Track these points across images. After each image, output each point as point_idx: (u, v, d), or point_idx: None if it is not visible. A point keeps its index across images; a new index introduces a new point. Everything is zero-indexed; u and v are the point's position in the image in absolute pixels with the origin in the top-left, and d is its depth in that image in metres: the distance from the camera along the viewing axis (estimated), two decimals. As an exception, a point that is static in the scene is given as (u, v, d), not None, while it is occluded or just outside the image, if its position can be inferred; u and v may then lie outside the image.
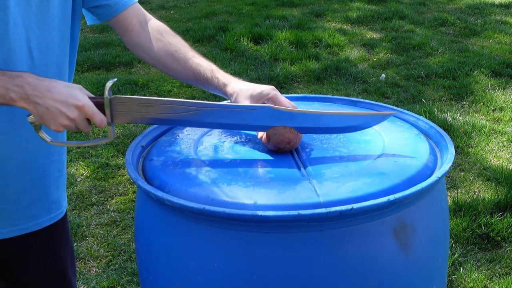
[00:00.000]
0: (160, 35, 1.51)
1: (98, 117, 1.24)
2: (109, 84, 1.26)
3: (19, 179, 1.40)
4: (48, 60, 1.36)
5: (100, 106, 1.26)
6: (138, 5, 1.53)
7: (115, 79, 1.31)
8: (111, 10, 1.49)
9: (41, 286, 1.54)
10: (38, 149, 1.41)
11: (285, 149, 1.35)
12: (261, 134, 1.40)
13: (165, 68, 1.52)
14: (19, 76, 1.21)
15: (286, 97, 1.48)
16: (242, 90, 1.41)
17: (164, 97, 4.41)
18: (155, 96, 4.50)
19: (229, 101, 1.45)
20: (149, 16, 1.55)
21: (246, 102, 1.39)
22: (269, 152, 1.37)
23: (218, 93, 1.48)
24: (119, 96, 1.29)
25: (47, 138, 1.29)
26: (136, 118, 1.32)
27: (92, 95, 1.26)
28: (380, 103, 1.63)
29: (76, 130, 1.25)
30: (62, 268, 1.57)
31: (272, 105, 1.34)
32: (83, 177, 3.38)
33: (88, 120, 1.25)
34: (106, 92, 1.26)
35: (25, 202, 1.42)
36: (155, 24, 1.53)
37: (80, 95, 1.22)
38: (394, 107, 1.61)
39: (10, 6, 1.28)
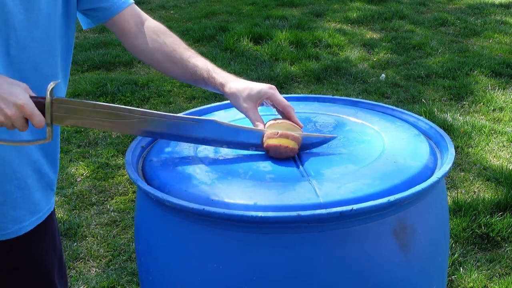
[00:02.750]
0: (156, 35, 1.50)
1: (37, 117, 1.21)
2: (51, 85, 1.23)
3: (4, 179, 1.37)
4: (25, 59, 1.33)
5: (41, 106, 1.23)
6: (135, 6, 1.52)
7: (58, 81, 1.30)
8: (107, 13, 1.47)
9: None
10: (22, 148, 1.38)
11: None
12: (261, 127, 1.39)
13: (163, 69, 1.51)
14: None
15: (286, 97, 1.47)
16: (239, 90, 1.40)
17: (163, 97, 4.42)
18: (155, 96, 4.47)
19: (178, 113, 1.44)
20: (145, 16, 1.54)
21: (244, 103, 1.39)
22: (269, 152, 1.37)
23: (216, 91, 1.47)
24: (61, 98, 1.27)
25: None
26: (78, 122, 1.29)
27: (35, 95, 1.23)
28: (380, 103, 1.63)
29: (12, 128, 1.21)
30: (47, 275, 1.53)
31: (217, 120, 1.35)
32: (83, 177, 3.38)
33: (26, 120, 1.21)
34: (48, 93, 1.23)
35: (11, 203, 1.39)
36: (151, 24, 1.52)
37: (22, 94, 1.19)
38: (394, 107, 1.61)
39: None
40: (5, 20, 1.29)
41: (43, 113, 1.24)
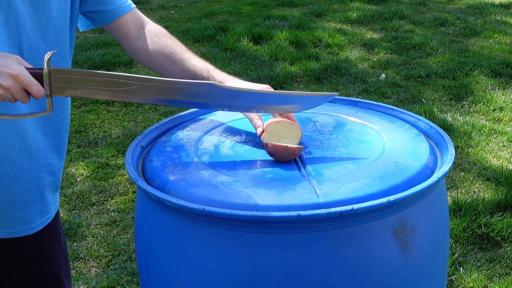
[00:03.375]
0: (157, 38, 1.51)
1: (35, 87, 1.21)
2: (47, 55, 1.23)
3: (13, 181, 1.38)
4: (39, 61, 1.34)
5: (38, 77, 1.23)
6: (136, 10, 1.53)
7: (55, 50, 1.29)
8: (109, 16, 1.48)
9: None
10: (31, 150, 1.39)
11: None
12: (260, 131, 1.40)
13: (163, 70, 1.52)
14: None
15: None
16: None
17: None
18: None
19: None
20: (146, 19, 1.55)
21: None
22: (269, 152, 1.37)
23: None
24: (59, 68, 1.26)
25: None
26: (77, 92, 1.28)
27: (31, 67, 1.23)
28: (380, 103, 1.63)
29: (14, 101, 1.21)
30: (56, 272, 1.55)
31: (215, 83, 1.33)
32: (83, 177, 3.38)
33: (26, 92, 1.21)
34: (45, 64, 1.23)
35: (19, 204, 1.40)
36: (152, 27, 1.53)
37: (15, 65, 1.19)
38: (394, 107, 1.61)
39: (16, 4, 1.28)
40: (16, 22, 1.30)
41: (42, 85, 1.23)
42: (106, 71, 5.26)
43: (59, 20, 1.38)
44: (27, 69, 1.21)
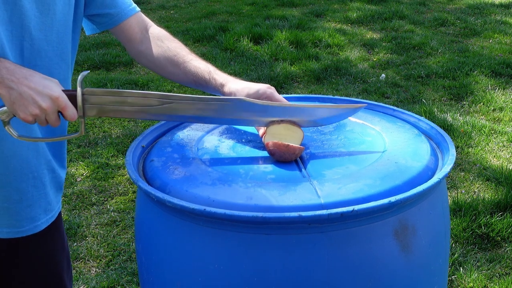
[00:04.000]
0: (160, 41, 1.52)
1: (71, 110, 1.23)
2: (81, 77, 1.25)
3: (21, 178, 1.39)
4: (39, 62, 1.35)
5: (72, 99, 1.24)
6: (141, 13, 1.55)
7: (88, 71, 1.30)
8: (114, 19, 1.49)
9: None
10: (38, 146, 1.40)
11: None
12: (261, 132, 1.40)
13: (165, 73, 1.53)
14: None
15: (286, 98, 1.48)
16: (238, 90, 1.42)
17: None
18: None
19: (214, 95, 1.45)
20: (150, 23, 1.57)
21: None
22: (270, 153, 1.37)
23: (216, 93, 1.48)
24: (92, 88, 1.27)
25: (15, 133, 1.27)
26: (109, 112, 1.30)
27: (64, 89, 1.25)
28: (381, 103, 1.63)
29: (45, 123, 1.23)
30: (58, 273, 1.55)
31: (245, 98, 1.34)
32: (83, 177, 3.38)
33: (58, 115, 1.23)
34: (78, 84, 1.24)
35: (27, 202, 1.41)
36: (156, 31, 1.55)
37: (56, 87, 1.22)
38: (395, 108, 1.61)
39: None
40: (21, 22, 1.31)
41: (76, 107, 1.25)
42: (107, 71, 5.25)
43: (62, 22, 1.38)
44: (62, 91, 1.23)
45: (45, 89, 1.20)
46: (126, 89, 4.48)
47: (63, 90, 1.24)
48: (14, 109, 1.21)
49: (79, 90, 1.25)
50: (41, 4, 1.33)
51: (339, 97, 1.69)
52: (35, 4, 1.32)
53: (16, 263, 1.47)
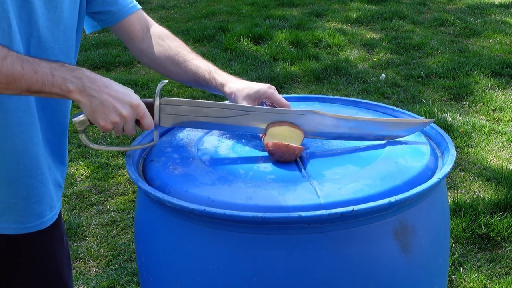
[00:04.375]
0: (161, 40, 1.53)
1: (149, 119, 1.26)
2: (160, 86, 1.27)
3: (30, 174, 1.39)
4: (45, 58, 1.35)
5: (149, 108, 1.27)
6: (142, 11, 1.55)
7: (166, 81, 1.32)
8: (115, 17, 1.49)
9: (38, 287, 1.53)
10: (42, 142, 1.40)
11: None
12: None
13: (166, 71, 1.53)
14: (77, 69, 1.22)
15: (286, 97, 1.48)
16: (239, 90, 1.42)
17: (164, 97, 4.40)
18: (154, 97, 4.45)
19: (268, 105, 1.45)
20: (151, 21, 1.57)
21: (244, 101, 1.41)
22: (270, 153, 1.37)
23: (217, 93, 1.49)
24: (169, 98, 1.30)
25: (90, 143, 1.31)
26: (183, 122, 1.33)
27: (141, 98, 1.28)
28: (380, 103, 1.63)
29: (121, 132, 1.26)
30: (59, 271, 1.55)
31: (318, 111, 1.35)
32: (83, 177, 3.38)
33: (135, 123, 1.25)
34: (157, 94, 1.27)
35: (34, 198, 1.41)
36: (157, 29, 1.55)
37: (135, 96, 1.25)
38: (394, 108, 1.61)
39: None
40: (29, 18, 1.31)
41: (153, 115, 1.27)
42: (107, 71, 5.25)
43: (69, 20, 1.39)
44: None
45: (126, 97, 1.22)
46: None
47: (142, 99, 1.26)
48: (94, 117, 1.23)
49: (157, 99, 1.26)
50: (48, 1, 1.33)
51: (339, 97, 1.69)
52: (43, 2, 1.32)
53: (18, 260, 1.47)
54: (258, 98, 1.41)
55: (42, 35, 1.34)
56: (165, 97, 1.29)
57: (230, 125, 1.35)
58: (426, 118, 1.53)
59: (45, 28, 1.34)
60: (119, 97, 1.22)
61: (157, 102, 1.27)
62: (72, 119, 1.26)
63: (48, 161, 1.46)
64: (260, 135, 1.41)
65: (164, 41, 1.52)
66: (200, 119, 1.33)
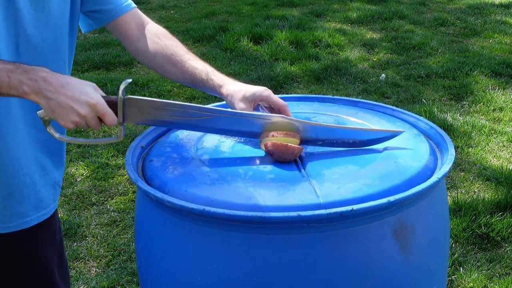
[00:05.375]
0: (158, 38, 1.52)
1: (110, 116, 1.25)
2: (123, 84, 1.26)
3: (12, 174, 1.39)
4: (34, 58, 1.35)
5: (112, 105, 1.26)
6: (137, 10, 1.55)
7: (130, 80, 1.32)
8: (110, 15, 1.49)
9: (23, 286, 1.52)
10: (27, 144, 1.40)
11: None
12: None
13: (163, 71, 1.53)
14: (33, 70, 1.21)
15: (286, 97, 1.48)
16: (235, 92, 1.43)
17: (164, 97, 4.41)
18: (155, 96, 4.50)
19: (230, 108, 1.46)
20: (147, 20, 1.57)
21: (240, 104, 1.41)
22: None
23: (214, 94, 1.49)
24: (133, 97, 1.29)
25: (56, 134, 1.29)
26: (148, 120, 1.32)
27: (105, 94, 1.27)
28: (380, 103, 1.63)
29: (86, 127, 1.25)
30: (48, 271, 1.54)
31: (285, 116, 1.35)
32: (83, 177, 3.38)
33: (99, 119, 1.25)
34: (120, 92, 1.26)
35: (16, 198, 1.41)
36: (153, 28, 1.55)
37: (93, 93, 1.23)
38: (394, 107, 1.61)
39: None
40: (15, 18, 1.31)
41: (115, 112, 1.26)
42: (107, 71, 5.25)
43: (58, 19, 1.38)
44: (102, 97, 1.24)
45: (82, 96, 1.21)
46: (125, 89, 4.48)
47: (104, 96, 1.25)
48: (54, 117, 1.22)
49: (120, 97, 1.26)
50: (34, 1, 1.33)
51: (339, 97, 1.70)
52: (29, 1, 1.32)
53: (4, 258, 1.47)
54: (254, 100, 1.42)
55: (29, 34, 1.33)
56: (129, 96, 1.29)
57: (195, 126, 1.35)
58: (421, 119, 1.53)
59: (33, 27, 1.33)
60: (75, 97, 1.20)
61: (120, 101, 1.27)
62: (37, 112, 1.25)
63: (41, 162, 1.45)
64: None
65: (161, 39, 1.52)
66: (165, 118, 1.32)
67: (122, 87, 1.26)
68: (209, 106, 1.34)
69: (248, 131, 1.36)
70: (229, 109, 1.36)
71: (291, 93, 4.38)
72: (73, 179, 3.35)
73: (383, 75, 4.83)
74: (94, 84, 1.26)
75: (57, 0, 1.37)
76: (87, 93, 1.22)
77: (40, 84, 1.20)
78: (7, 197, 1.40)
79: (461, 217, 2.89)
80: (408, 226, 1.20)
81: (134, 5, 1.54)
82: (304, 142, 1.37)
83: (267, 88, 1.44)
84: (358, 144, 1.37)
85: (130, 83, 1.28)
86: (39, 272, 1.53)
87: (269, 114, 1.38)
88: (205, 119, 1.33)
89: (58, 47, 1.41)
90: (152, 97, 4.64)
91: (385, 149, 1.36)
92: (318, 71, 4.87)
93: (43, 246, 1.53)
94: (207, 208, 1.13)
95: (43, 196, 1.48)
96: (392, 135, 1.39)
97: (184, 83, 1.53)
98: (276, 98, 1.42)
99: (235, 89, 1.43)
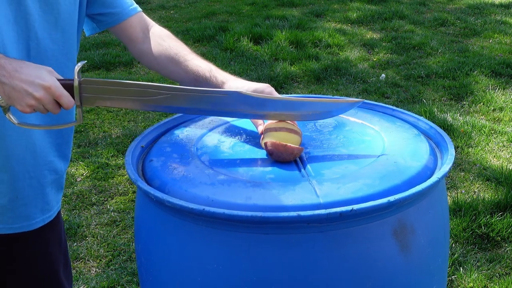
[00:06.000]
0: (161, 40, 1.53)
1: (66, 99, 1.23)
2: (78, 66, 1.25)
3: (18, 177, 1.39)
4: (46, 61, 1.35)
5: (69, 88, 1.25)
6: (142, 13, 1.56)
7: (85, 61, 1.31)
8: (115, 18, 1.50)
9: (29, 286, 1.53)
10: (36, 147, 1.40)
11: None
12: (261, 129, 1.40)
13: (166, 71, 1.54)
14: None
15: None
16: (238, 88, 1.42)
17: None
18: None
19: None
20: (152, 22, 1.58)
21: None
22: (269, 152, 1.37)
23: None
24: (89, 78, 1.28)
25: (15, 120, 1.27)
26: (107, 102, 1.31)
27: (62, 78, 1.25)
28: (380, 103, 1.63)
29: (45, 112, 1.23)
30: (54, 271, 1.55)
31: (242, 91, 1.34)
32: (83, 177, 3.38)
33: (57, 103, 1.23)
34: (76, 75, 1.25)
35: (22, 201, 1.42)
36: (157, 30, 1.56)
37: (48, 76, 1.22)
38: (394, 107, 1.61)
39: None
40: (26, 22, 1.31)
41: (73, 96, 1.25)
42: (107, 71, 5.25)
43: (68, 21, 1.39)
44: (58, 80, 1.23)
45: (36, 80, 1.20)
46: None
47: (59, 80, 1.23)
48: (11, 103, 1.22)
49: (76, 79, 1.25)
50: (44, 3, 1.33)
51: (339, 97, 1.69)
52: (39, 4, 1.32)
53: (10, 259, 1.47)
54: None
55: (39, 37, 1.34)
56: (86, 78, 1.27)
57: (153, 105, 1.33)
58: (421, 118, 1.53)
59: (42, 30, 1.34)
60: (29, 80, 1.19)
61: (75, 83, 1.26)
62: None
63: (54, 166, 1.46)
64: (259, 132, 1.41)
65: (165, 41, 1.53)
66: (124, 98, 1.31)
67: (77, 68, 1.25)
68: (168, 85, 1.33)
69: (210, 109, 1.35)
70: (188, 87, 1.34)
71: (291, 93, 4.38)
72: (73, 179, 3.35)
73: (383, 75, 4.84)
74: (51, 68, 1.24)
75: (66, 2, 1.37)
76: (41, 76, 1.20)
77: None
78: (13, 199, 1.40)
79: (461, 217, 2.89)
80: (408, 226, 1.20)
81: (139, 9, 1.55)
82: (267, 117, 1.37)
83: (269, 85, 1.44)
84: (318, 116, 1.37)
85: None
86: (46, 272, 1.54)
87: (227, 90, 1.37)
88: (163, 97, 1.31)
89: (69, 50, 1.41)
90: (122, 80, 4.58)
91: (385, 149, 1.36)
92: (318, 71, 4.87)
93: (50, 246, 1.54)
94: (207, 208, 1.12)
95: (50, 199, 1.49)
96: (351, 105, 1.39)
97: (188, 83, 1.53)
98: (278, 95, 1.42)
99: (238, 85, 1.43)
